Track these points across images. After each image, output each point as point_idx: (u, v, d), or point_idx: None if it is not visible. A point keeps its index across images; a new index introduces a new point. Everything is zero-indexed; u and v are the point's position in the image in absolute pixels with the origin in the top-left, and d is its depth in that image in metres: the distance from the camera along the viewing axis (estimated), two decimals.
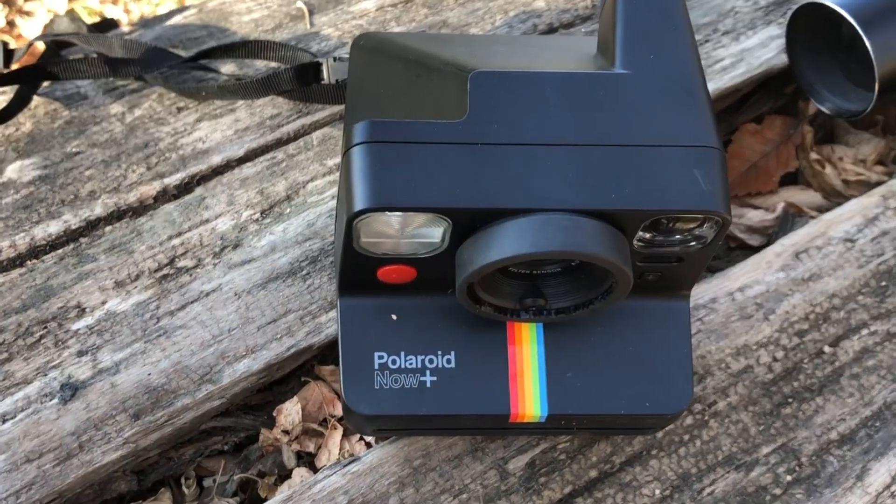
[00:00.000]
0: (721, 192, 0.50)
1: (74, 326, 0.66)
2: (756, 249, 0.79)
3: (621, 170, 0.50)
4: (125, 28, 0.87)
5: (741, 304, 0.71)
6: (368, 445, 0.66)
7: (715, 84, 0.80)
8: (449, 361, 0.57)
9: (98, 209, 0.71)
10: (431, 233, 0.52)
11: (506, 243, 0.49)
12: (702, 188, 0.50)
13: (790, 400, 0.68)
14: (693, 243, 0.53)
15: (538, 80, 0.52)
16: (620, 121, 0.51)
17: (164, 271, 0.68)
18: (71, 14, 0.88)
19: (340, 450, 0.65)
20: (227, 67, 0.82)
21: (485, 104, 0.51)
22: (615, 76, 0.53)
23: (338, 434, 0.66)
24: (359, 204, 0.49)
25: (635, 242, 0.52)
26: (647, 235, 0.53)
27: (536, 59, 0.62)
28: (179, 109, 0.78)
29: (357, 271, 0.54)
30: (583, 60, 0.58)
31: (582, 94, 0.52)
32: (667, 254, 0.54)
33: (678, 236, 0.53)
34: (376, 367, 0.56)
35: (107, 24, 0.90)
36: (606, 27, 0.57)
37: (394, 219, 0.50)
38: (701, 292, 0.71)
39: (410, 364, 0.56)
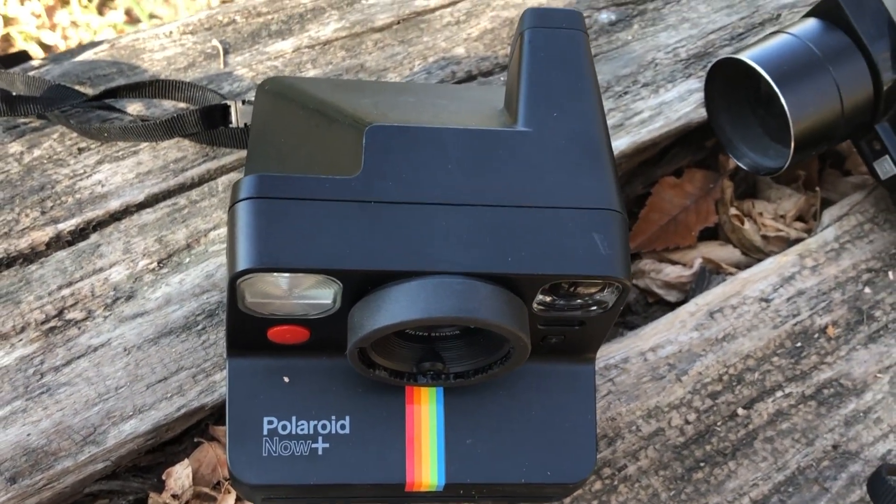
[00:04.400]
0: (621, 257, 0.49)
1: None
2: (673, 305, 0.78)
3: (519, 232, 0.48)
4: (35, 62, 0.84)
5: (653, 364, 0.69)
6: None
7: (633, 137, 0.79)
8: (343, 427, 0.54)
9: None
10: (322, 294, 0.49)
11: (396, 308, 0.47)
12: (601, 253, 0.48)
13: (702, 464, 0.66)
14: (594, 308, 0.51)
15: (436, 135, 0.51)
16: (519, 181, 0.49)
17: (52, 323, 0.65)
18: None
19: None
20: (134, 107, 0.79)
21: (380, 160, 0.49)
22: (516, 134, 0.51)
23: (231, 498, 0.63)
24: (242, 263, 0.46)
25: (535, 306, 0.51)
26: (547, 299, 0.51)
27: (441, 112, 0.60)
28: (80, 150, 0.75)
29: (245, 331, 0.52)
30: (488, 115, 0.57)
31: (481, 152, 0.50)
32: (568, 318, 0.52)
33: (579, 301, 0.51)
34: (265, 432, 0.53)
35: (16, 58, 0.86)
36: (512, 80, 0.55)
37: (281, 279, 0.48)
38: (612, 352, 0.69)
39: (302, 430, 0.53)
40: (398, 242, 0.47)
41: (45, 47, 1.48)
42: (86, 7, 1.53)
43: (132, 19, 1.54)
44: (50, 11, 1.53)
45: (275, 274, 0.47)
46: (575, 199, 0.49)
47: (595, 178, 0.50)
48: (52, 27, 1.54)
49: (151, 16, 1.54)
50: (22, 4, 1.51)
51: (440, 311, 0.47)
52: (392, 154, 0.49)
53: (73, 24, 1.53)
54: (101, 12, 1.54)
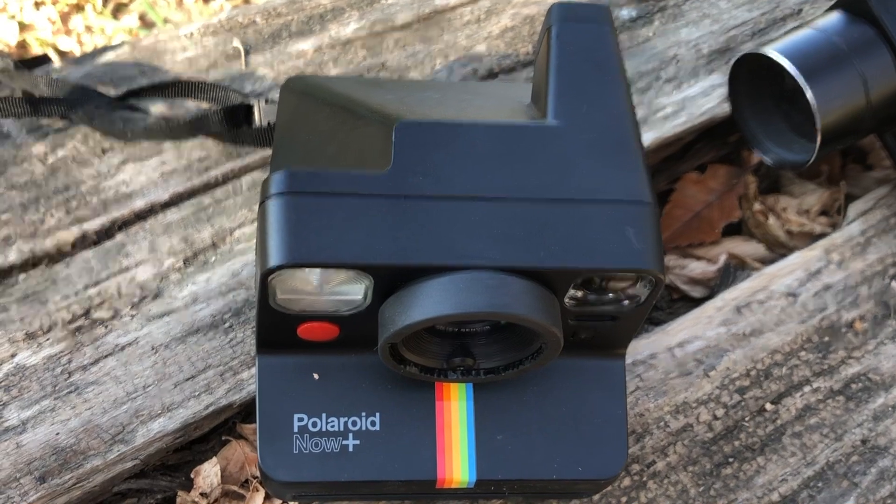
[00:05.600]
0: (654, 250, 0.48)
1: None
2: (698, 301, 0.78)
3: (550, 226, 0.48)
4: (57, 64, 0.84)
5: (681, 360, 0.69)
6: None
7: (656, 133, 0.79)
8: (373, 424, 0.54)
9: (12, 255, 0.68)
10: (353, 290, 0.49)
11: (428, 303, 0.47)
12: (633, 246, 0.48)
13: (731, 460, 0.66)
14: (626, 302, 0.51)
15: (466, 130, 0.50)
16: (551, 175, 0.49)
17: (79, 323, 0.65)
18: None
19: None
20: (157, 107, 0.79)
21: (410, 155, 0.49)
22: (546, 128, 0.51)
23: (260, 496, 0.62)
24: (273, 260, 0.46)
25: (566, 301, 0.50)
26: (579, 294, 0.50)
27: (468, 107, 0.60)
28: (104, 150, 0.75)
29: (275, 328, 0.51)
30: (516, 110, 0.56)
31: (511, 147, 0.50)
32: (600, 312, 0.52)
33: (611, 295, 0.51)
34: (296, 430, 0.53)
35: (37, 60, 0.87)
36: (540, 75, 0.55)
37: (312, 275, 0.48)
38: (640, 348, 0.69)
39: (332, 427, 0.53)
40: (429, 237, 0.47)
41: (61, 53, 1.48)
42: (100, 13, 1.53)
43: (146, 24, 1.55)
44: (65, 17, 1.53)
45: (306, 270, 0.47)
46: (606, 191, 0.49)
47: (626, 170, 0.50)
48: (68, 32, 1.54)
49: (166, 20, 1.54)
50: (37, 10, 1.51)
51: (473, 306, 0.46)
52: (422, 149, 0.49)
53: (88, 29, 1.53)
54: (115, 17, 1.54)
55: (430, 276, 0.47)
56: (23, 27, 1.50)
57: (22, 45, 1.48)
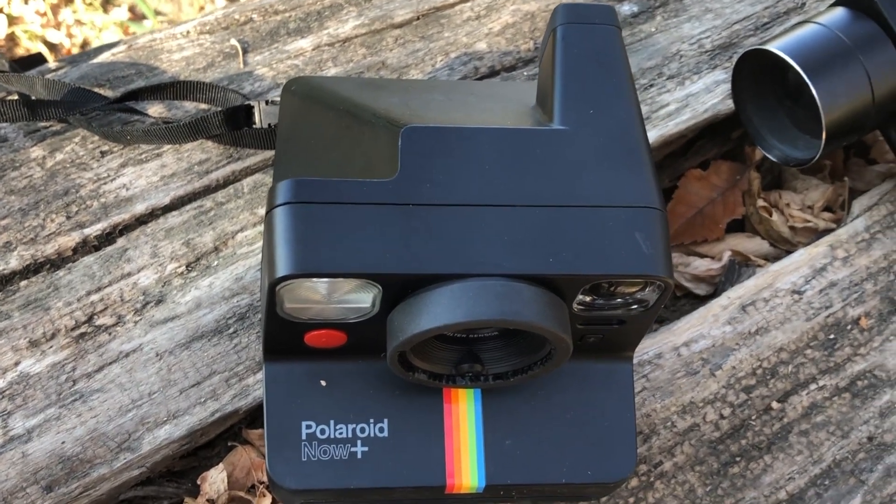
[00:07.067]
0: (663, 256, 0.48)
1: None
2: (702, 299, 0.78)
3: (559, 232, 0.48)
4: (52, 64, 0.83)
5: (687, 359, 0.69)
6: None
7: (659, 130, 0.78)
8: (381, 430, 0.53)
9: (13, 262, 0.67)
10: (361, 298, 0.49)
11: (438, 311, 0.46)
12: (643, 251, 0.48)
13: (738, 459, 0.66)
14: (635, 307, 0.51)
15: (473, 136, 0.50)
16: (559, 180, 0.49)
17: (82, 329, 0.64)
18: None
19: None
20: (155, 109, 0.78)
21: (417, 162, 0.49)
22: (553, 133, 0.50)
23: (266, 501, 0.62)
24: (281, 270, 0.46)
25: (575, 306, 0.50)
26: (588, 299, 0.50)
27: (474, 110, 0.59)
28: (103, 154, 0.74)
29: (283, 336, 0.51)
30: (522, 113, 0.56)
31: (519, 152, 0.50)
32: (608, 317, 0.52)
33: (619, 300, 0.51)
34: (304, 437, 0.53)
35: (31, 61, 0.86)
36: (545, 77, 0.54)
37: (320, 285, 0.48)
38: (646, 347, 0.69)
39: (340, 434, 0.53)
40: (438, 245, 0.47)
41: (51, 46, 1.47)
42: (90, 5, 1.52)
43: (136, 16, 1.54)
44: (54, 10, 1.52)
45: (314, 279, 0.47)
46: (615, 197, 0.49)
47: (634, 175, 0.49)
48: (57, 25, 1.53)
49: (157, 12, 1.53)
50: (26, 3, 1.50)
51: (482, 314, 0.46)
52: (429, 156, 0.49)
53: (78, 21, 1.52)
54: (105, 10, 1.54)
55: (439, 283, 0.47)
56: (11, 20, 1.49)
57: (11, 38, 1.47)
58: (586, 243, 0.48)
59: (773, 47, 0.72)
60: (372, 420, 0.54)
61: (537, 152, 0.50)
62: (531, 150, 0.50)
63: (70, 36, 1.53)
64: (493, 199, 0.48)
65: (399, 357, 0.50)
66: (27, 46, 1.47)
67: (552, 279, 0.47)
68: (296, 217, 0.47)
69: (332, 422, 0.53)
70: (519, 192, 0.48)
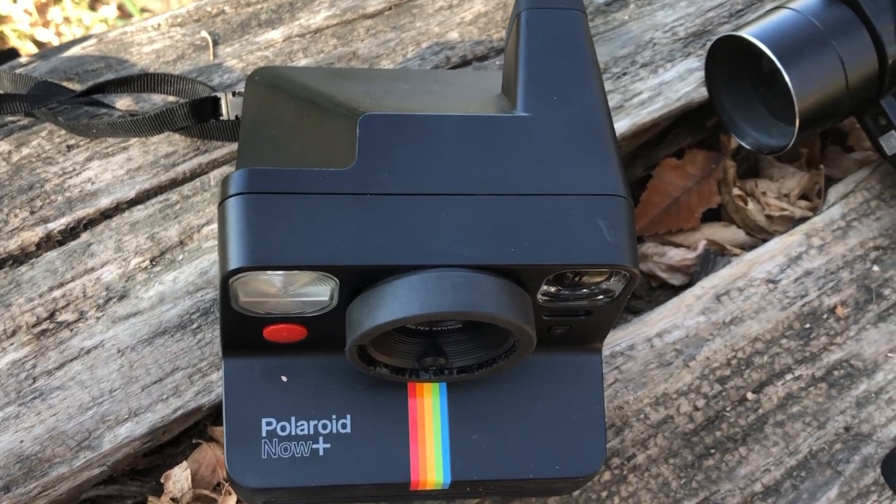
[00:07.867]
0: (627, 244, 0.47)
1: None
2: (678, 289, 0.77)
3: (521, 221, 0.47)
4: (22, 59, 0.82)
5: (660, 350, 0.68)
6: None
7: (632, 119, 0.77)
8: (344, 426, 0.52)
9: None
10: (318, 291, 0.48)
11: (395, 304, 0.45)
12: (606, 240, 0.47)
13: (712, 451, 0.65)
14: (601, 297, 0.50)
15: (433, 123, 0.49)
16: (521, 168, 0.48)
17: (43, 326, 0.63)
18: None
19: None
20: (123, 102, 0.77)
21: (375, 150, 0.48)
22: (516, 119, 0.49)
23: (231, 500, 0.61)
24: (233, 262, 0.45)
25: (539, 297, 0.49)
26: (552, 290, 0.49)
27: (437, 98, 0.58)
28: (70, 148, 0.73)
29: (241, 331, 0.50)
30: (485, 101, 0.55)
31: (480, 140, 0.48)
32: (574, 308, 0.51)
33: (585, 290, 0.49)
34: (264, 434, 0.52)
35: (5, 55, 0.84)
36: (509, 64, 0.53)
37: (274, 278, 0.46)
38: (618, 338, 0.68)
39: (302, 430, 0.52)
40: (396, 236, 0.46)
41: (39, 44, 1.46)
42: (78, 3, 1.51)
43: (124, 14, 1.52)
44: (42, 8, 1.51)
45: (268, 272, 0.46)
46: (578, 185, 0.48)
47: (598, 162, 0.48)
48: (46, 24, 1.52)
49: (143, 10, 1.52)
50: (14, 2, 1.49)
51: (442, 305, 0.45)
52: (387, 144, 0.48)
53: (66, 20, 1.51)
54: (93, 8, 1.52)
55: (398, 275, 0.46)
56: (0, 19, 1.48)
57: None
58: (548, 232, 0.47)
59: (745, 33, 0.71)
60: (334, 416, 0.52)
61: (499, 140, 0.49)
62: (493, 138, 0.49)
63: (59, 35, 1.51)
64: (452, 187, 0.47)
65: (359, 351, 0.49)
66: (16, 45, 1.45)
67: (514, 269, 0.46)
68: (248, 208, 0.45)
69: (293, 418, 0.52)
70: (480, 181, 0.47)
